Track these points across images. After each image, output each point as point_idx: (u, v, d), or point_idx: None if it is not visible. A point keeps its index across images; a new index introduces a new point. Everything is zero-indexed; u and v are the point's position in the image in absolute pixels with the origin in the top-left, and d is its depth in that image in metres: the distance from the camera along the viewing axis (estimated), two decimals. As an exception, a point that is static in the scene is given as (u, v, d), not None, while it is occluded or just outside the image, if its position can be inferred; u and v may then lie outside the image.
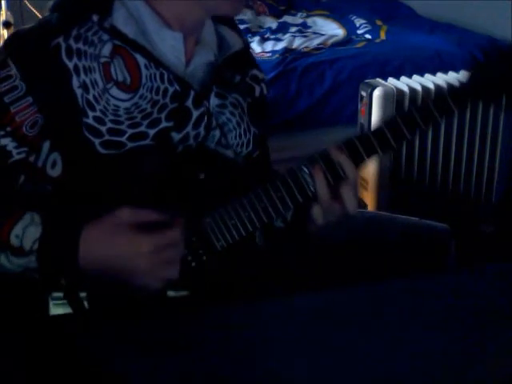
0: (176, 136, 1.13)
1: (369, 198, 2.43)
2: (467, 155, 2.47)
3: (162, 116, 1.12)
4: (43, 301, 1.09)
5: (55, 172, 1.10)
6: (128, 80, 1.11)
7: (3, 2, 2.55)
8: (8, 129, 1.06)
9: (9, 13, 2.53)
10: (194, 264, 1.12)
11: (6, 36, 2.49)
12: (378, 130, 1.11)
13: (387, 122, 1.12)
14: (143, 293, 1.06)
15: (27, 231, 1.03)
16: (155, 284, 1.05)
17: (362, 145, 1.11)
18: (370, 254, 1.37)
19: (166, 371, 0.91)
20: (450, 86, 1.13)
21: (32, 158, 1.09)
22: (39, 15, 2.59)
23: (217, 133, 1.18)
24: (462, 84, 1.12)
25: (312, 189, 1.11)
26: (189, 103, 1.14)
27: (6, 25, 2.49)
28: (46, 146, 1.09)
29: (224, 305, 1.06)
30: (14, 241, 1.03)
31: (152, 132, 1.11)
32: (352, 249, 1.38)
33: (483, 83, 1.12)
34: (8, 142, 1.07)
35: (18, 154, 1.08)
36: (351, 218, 1.33)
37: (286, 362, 0.93)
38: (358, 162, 1.12)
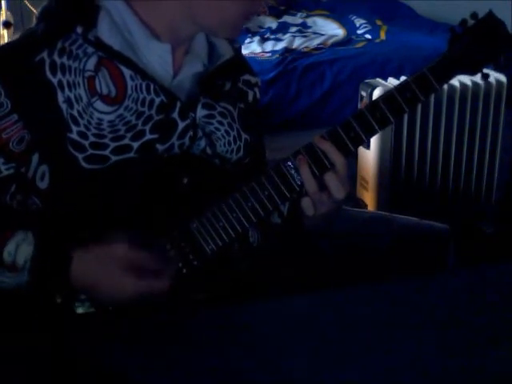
0: (160, 147, 1.12)
1: (369, 198, 2.43)
2: (467, 155, 2.47)
3: (147, 128, 1.10)
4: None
5: (43, 184, 1.10)
6: (113, 92, 1.09)
7: (3, 2, 2.55)
8: None
9: (9, 13, 2.53)
10: (184, 270, 1.11)
11: (6, 36, 2.49)
12: (359, 114, 1.10)
13: (369, 106, 1.11)
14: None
15: (20, 249, 1.03)
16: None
17: (345, 131, 1.10)
18: (369, 254, 1.37)
19: (165, 371, 0.91)
20: (430, 62, 1.10)
21: (23, 170, 1.08)
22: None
23: (202, 142, 1.16)
24: (441, 58, 1.11)
25: (299, 182, 1.10)
26: (175, 115, 1.12)
27: (6, 25, 2.49)
28: (35, 158, 1.08)
29: (222, 305, 1.06)
30: (6, 257, 1.03)
31: (136, 145, 1.10)
32: (351, 249, 1.38)
33: (463, 53, 1.11)
34: None
35: (7, 169, 1.08)
36: (351, 218, 1.33)
37: (286, 361, 0.93)
38: (343, 148, 1.10)
